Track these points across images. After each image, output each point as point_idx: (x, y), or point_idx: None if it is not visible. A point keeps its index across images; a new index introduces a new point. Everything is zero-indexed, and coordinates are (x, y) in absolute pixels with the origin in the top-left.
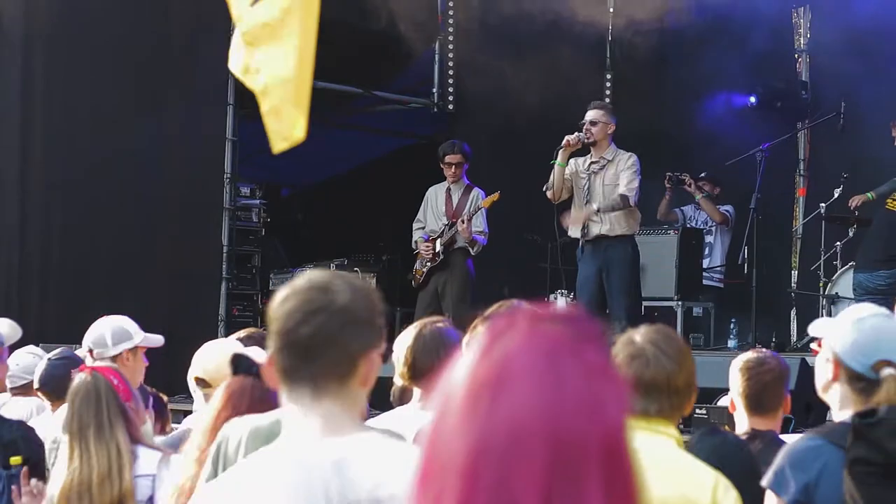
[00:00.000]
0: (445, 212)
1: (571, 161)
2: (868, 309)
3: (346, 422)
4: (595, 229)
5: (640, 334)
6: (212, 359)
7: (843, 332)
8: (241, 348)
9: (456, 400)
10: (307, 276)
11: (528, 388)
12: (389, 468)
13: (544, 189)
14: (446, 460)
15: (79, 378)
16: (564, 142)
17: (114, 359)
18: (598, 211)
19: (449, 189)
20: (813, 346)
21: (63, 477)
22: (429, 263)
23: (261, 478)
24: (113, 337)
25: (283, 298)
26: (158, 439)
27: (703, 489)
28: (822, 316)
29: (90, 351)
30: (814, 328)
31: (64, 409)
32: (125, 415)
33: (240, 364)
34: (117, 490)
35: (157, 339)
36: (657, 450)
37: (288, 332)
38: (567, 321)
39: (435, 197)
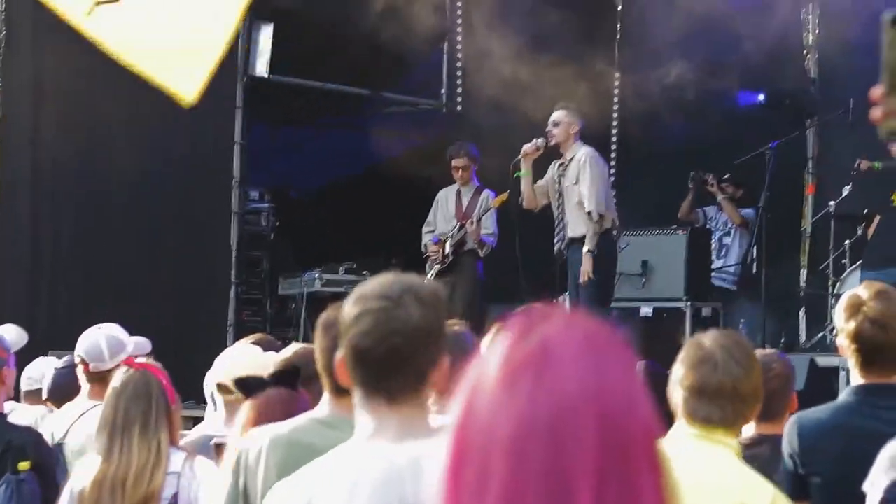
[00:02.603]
0: (455, 214)
1: (550, 166)
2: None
3: (420, 425)
4: (566, 234)
5: (709, 338)
6: (239, 364)
7: None
8: (260, 355)
9: (489, 383)
10: (378, 287)
11: (573, 370)
12: None
13: (519, 201)
14: (485, 442)
15: (128, 373)
16: (522, 152)
17: (110, 371)
18: (590, 251)
19: (459, 191)
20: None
21: (96, 470)
22: (438, 266)
23: (341, 471)
24: (109, 350)
25: (357, 315)
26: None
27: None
28: (830, 316)
29: (84, 363)
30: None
31: (70, 407)
32: (169, 416)
33: (246, 386)
34: (145, 488)
35: (145, 345)
36: (716, 460)
37: (362, 351)
38: (595, 320)
39: (445, 199)
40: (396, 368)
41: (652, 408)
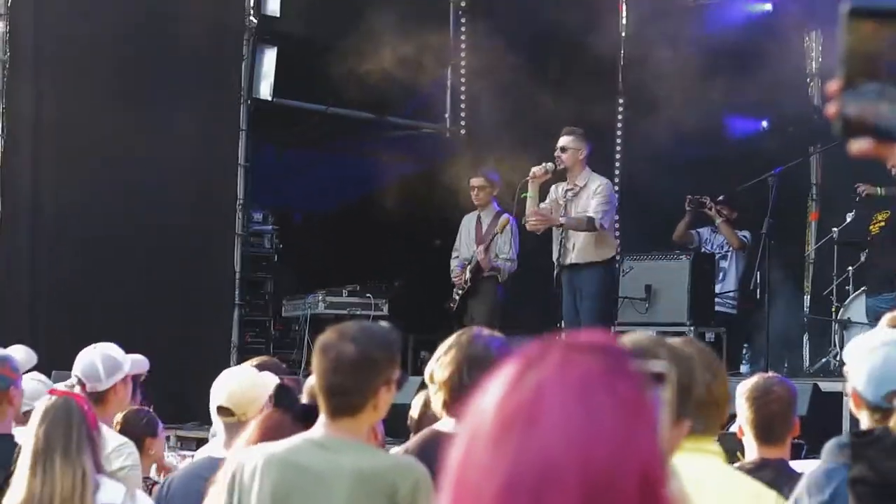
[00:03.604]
0: (476, 239)
1: (552, 188)
2: (881, 337)
3: None
4: (568, 258)
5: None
6: (236, 387)
7: (857, 363)
8: (260, 376)
9: (484, 433)
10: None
11: (559, 423)
12: None
13: (523, 222)
14: (475, 496)
15: (50, 400)
16: (530, 174)
17: (106, 391)
18: (562, 226)
19: (479, 216)
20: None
21: (22, 494)
22: (460, 291)
23: None
24: (105, 370)
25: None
26: (181, 466)
27: None
28: (834, 342)
29: (82, 384)
30: (845, 354)
31: None
32: (92, 442)
33: (282, 397)
34: None
35: (143, 363)
36: (712, 471)
37: None
38: (600, 352)
39: (467, 225)
40: None
41: (656, 449)
